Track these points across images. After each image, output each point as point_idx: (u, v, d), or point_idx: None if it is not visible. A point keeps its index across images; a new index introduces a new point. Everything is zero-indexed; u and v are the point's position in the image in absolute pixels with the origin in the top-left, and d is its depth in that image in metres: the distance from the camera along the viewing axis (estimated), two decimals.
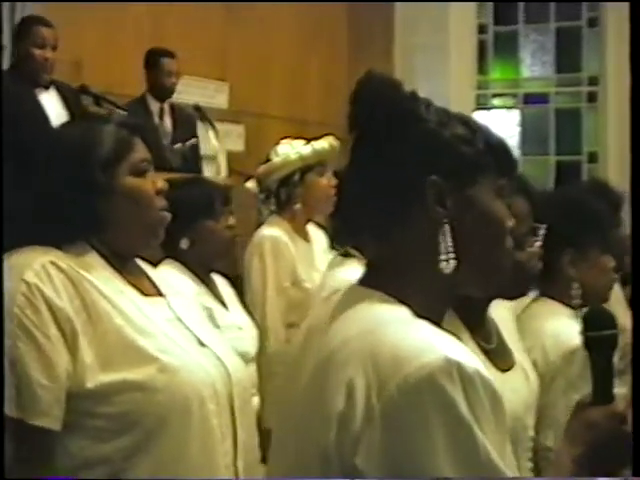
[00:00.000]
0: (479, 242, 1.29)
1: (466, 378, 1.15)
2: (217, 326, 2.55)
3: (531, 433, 2.06)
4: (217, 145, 5.58)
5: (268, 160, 3.93)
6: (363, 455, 1.15)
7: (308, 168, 3.90)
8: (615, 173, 8.59)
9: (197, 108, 5.82)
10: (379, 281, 1.29)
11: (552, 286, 2.38)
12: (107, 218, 1.90)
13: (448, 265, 1.26)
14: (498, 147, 1.34)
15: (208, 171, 5.61)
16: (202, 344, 1.94)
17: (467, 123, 1.32)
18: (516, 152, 9.27)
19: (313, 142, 3.91)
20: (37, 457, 1.77)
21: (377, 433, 1.15)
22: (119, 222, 1.91)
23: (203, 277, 3.00)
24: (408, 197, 1.28)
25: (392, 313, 1.24)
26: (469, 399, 1.15)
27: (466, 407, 1.14)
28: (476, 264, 1.30)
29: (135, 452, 1.78)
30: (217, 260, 3.08)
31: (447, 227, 1.26)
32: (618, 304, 3.19)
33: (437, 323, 1.26)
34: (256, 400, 2.99)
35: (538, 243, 2.07)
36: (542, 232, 2.07)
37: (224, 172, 5.99)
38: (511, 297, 2.05)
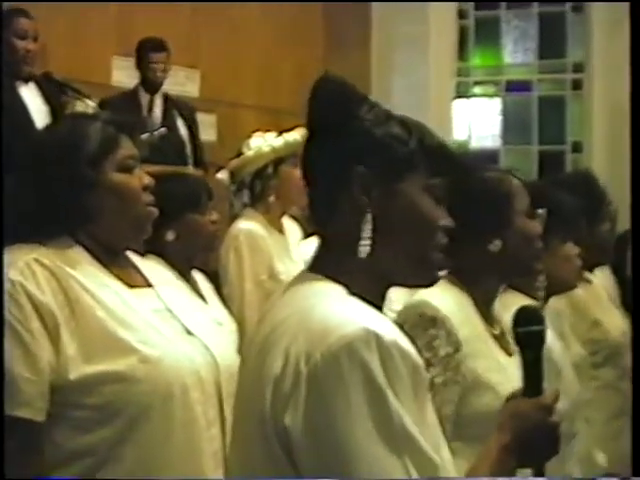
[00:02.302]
0: (402, 234, 1.43)
1: (384, 348, 1.28)
2: None
3: None
4: (186, 135, 5.73)
5: (240, 154, 3.97)
6: (290, 414, 1.29)
7: (281, 160, 3.94)
8: (600, 163, 8.46)
9: (165, 96, 5.91)
10: (321, 265, 1.45)
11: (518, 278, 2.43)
12: (94, 214, 1.98)
13: (365, 249, 1.40)
14: (433, 149, 1.47)
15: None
16: (189, 333, 2.02)
17: (404, 124, 1.47)
18: (498, 141, 9.20)
19: (285, 134, 3.96)
20: (23, 449, 1.84)
21: (302, 395, 1.28)
22: (106, 217, 1.99)
23: (185, 273, 3.00)
24: (339, 186, 1.43)
25: (327, 291, 1.39)
26: (386, 368, 1.27)
27: (382, 375, 1.27)
28: (400, 254, 1.43)
29: (120, 441, 1.86)
30: (201, 254, 3.10)
31: (369, 216, 1.41)
32: (606, 306, 3.08)
33: (371, 301, 1.39)
34: None
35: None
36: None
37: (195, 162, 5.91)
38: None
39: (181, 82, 6.94)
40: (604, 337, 3.03)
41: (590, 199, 2.88)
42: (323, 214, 1.47)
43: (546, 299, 2.48)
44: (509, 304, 2.30)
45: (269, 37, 7.65)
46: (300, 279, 1.47)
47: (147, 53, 5.92)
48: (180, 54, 6.78)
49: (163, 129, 5.60)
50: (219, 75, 7.23)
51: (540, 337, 1.56)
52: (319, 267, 1.46)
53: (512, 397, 1.57)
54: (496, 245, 2.08)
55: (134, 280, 2.04)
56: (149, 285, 2.07)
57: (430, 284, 1.54)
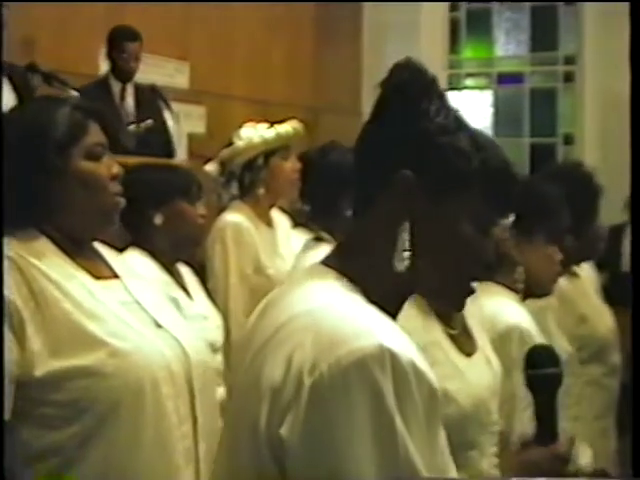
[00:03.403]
0: (440, 254, 1.31)
1: (398, 369, 1.17)
2: (184, 316, 2.51)
3: (495, 417, 2.04)
4: (174, 127, 5.60)
5: (231, 144, 3.91)
6: (288, 426, 1.19)
7: (272, 152, 3.88)
8: (592, 155, 8.45)
9: (153, 88, 5.79)
10: (339, 261, 1.33)
11: (497, 269, 2.38)
12: (60, 202, 1.91)
13: (401, 264, 1.28)
14: (495, 173, 1.34)
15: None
16: (159, 326, 1.95)
17: (474, 139, 1.34)
18: (489, 133, 9.18)
19: (277, 126, 3.90)
20: None
21: (303, 407, 1.18)
22: (72, 207, 1.92)
23: (169, 266, 2.98)
24: (382, 185, 1.31)
25: (343, 294, 1.27)
26: (398, 390, 1.16)
27: (393, 398, 1.16)
28: (433, 275, 1.32)
29: (88, 439, 1.79)
30: (188, 246, 3.07)
31: (406, 225, 1.28)
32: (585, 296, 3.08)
33: (389, 312, 1.28)
34: (222, 391, 2.86)
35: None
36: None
37: (184, 155, 5.89)
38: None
39: (170, 74, 6.89)
40: (591, 333, 3.00)
41: (582, 193, 2.85)
42: (357, 208, 1.36)
43: (524, 296, 2.43)
44: (483, 294, 2.29)
45: (259, 29, 7.59)
46: (313, 273, 1.35)
47: (121, 42, 5.85)
48: (169, 46, 6.74)
49: (150, 121, 5.57)
50: (208, 67, 7.17)
51: (555, 381, 1.48)
52: (338, 265, 1.33)
53: (525, 444, 1.49)
54: None
55: (101, 272, 1.96)
56: (116, 277, 1.99)
57: (457, 311, 1.45)
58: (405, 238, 1.28)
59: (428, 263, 1.30)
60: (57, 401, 1.79)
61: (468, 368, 1.95)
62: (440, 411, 1.26)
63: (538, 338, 2.30)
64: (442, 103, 1.36)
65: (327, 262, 1.35)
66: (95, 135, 1.95)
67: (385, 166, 1.31)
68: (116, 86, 5.85)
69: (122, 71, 5.86)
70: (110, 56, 5.90)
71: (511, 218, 2.19)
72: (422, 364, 1.21)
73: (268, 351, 1.25)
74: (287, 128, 3.88)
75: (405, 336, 1.24)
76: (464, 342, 2.01)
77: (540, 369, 1.47)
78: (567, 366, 2.66)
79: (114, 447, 1.81)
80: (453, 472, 1.32)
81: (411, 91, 1.33)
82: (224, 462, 1.35)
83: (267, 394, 1.22)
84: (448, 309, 1.51)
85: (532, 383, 1.47)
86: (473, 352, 2.01)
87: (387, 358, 1.17)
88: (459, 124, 1.35)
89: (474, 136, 1.35)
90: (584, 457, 2.80)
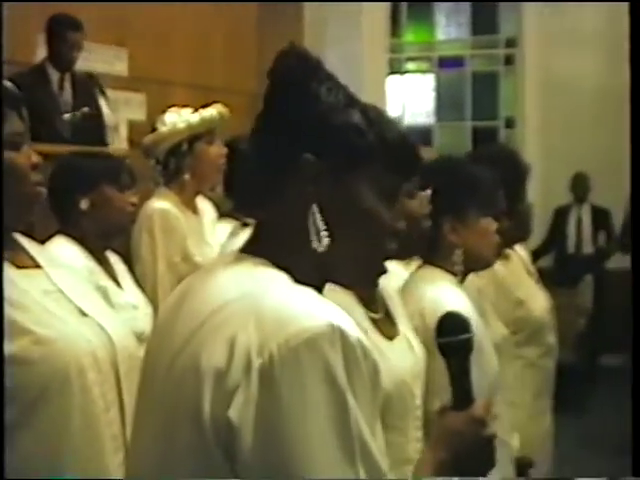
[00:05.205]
0: (349, 231, 1.34)
1: (348, 346, 1.19)
2: (112, 305, 2.57)
3: (419, 402, 2.06)
4: (109, 114, 5.52)
5: (155, 129, 3.82)
6: (237, 408, 1.18)
7: (196, 137, 3.80)
8: (533, 138, 8.51)
9: (90, 75, 5.71)
10: (260, 249, 1.34)
11: (435, 253, 2.42)
12: None
13: (320, 244, 1.31)
14: (395, 145, 1.38)
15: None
16: (84, 314, 1.94)
17: (366, 113, 1.37)
18: (431, 118, 9.22)
19: (201, 110, 3.83)
20: None
21: (254, 388, 1.18)
22: None
23: (98, 254, 2.96)
24: (287, 171, 1.33)
25: (271, 277, 1.29)
26: (348, 367, 1.18)
27: (344, 375, 1.18)
28: (344, 253, 1.34)
29: (16, 427, 1.77)
30: (114, 232, 3.04)
31: (315, 207, 1.31)
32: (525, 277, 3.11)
33: (316, 290, 1.31)
34: None
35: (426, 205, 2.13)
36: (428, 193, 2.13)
37: (124, 143, 5.81)
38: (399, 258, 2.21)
39: (109, 61, 6.78)
40: (527, 315, 3.02)
41: (512, 174, 2.87)
42: (266, 197, 1.37)
43: (464, 275, 2.44)
44: (423, 279, 2.36)
45: (199, 13, 7.52)
46: (235, 260, 1.35)
47: (62, 31, 5.70)
48: (107, 32, 6.62)
49: (86, 109, 5.49)
50: (148, 53, 7.05)
51: (466, 346, 1.48)
52: (257, 250, 1.35)
53: (442, 411, 1.49)
54: None
55: (22, 261, 1.93)
56: (38, 267, 1.97)
57: (369, 290, 1.46)
58: (317, 221, 1.31)
59: (341, 241, 1.33)
60: None
61: (390, 350, 1.96)
62: (381, 387, 1.30)
63: (476, 323, 2.31)
64: (331, 84, 1.37)
65: (247, 250, 1.36)
66: (13, 124, 1.90)
67: (286, 152, 1.34)
68: (54, 74, 5.73)
69: (63, 60, 5.73)
70: (50, 44, 5.77)
71: (428, 191, 2.20)
72: (367, 342, 1.23)
73: (204, 336, 1.24)
74: (212, 112, 3.81)
75: (346, 315, 1.25)
76: (386, 326, 2.02)
77: (452, 336, 1.48)
78: (504, 349, 2.69)
79: (42, 434, 1.81)
80: (384, 453, 1.35)
81: (298, 76, 1.34)
82: (151, 449, 1.32)
83: (209, 378, 1.21)
84: (363, 287, 1.52)
85: (445, 350, 1.49)
86: (395, 336, 2.02)
87: (337, 336, 1.19)
88: (349, 101, 1.37)
89: (366, 111, 1.37)
90: (513, 442, 2.82)
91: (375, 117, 1.38)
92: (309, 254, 1.32)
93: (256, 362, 1.19)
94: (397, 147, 1.38)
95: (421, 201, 2.15)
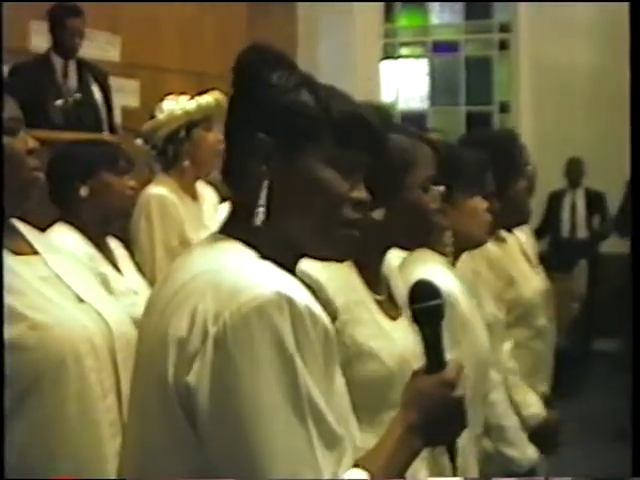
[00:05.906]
0: (304, 205, 1.41)
1: (296, 313, 1.27)
2: (112, 292, 2.61)
3: None
4: (101, 100, 5.58)
5: (153, 117, 3.85)
6: (195, 373, 1.27)
7: (194, 124, 3.84)
8: (527, 123, 8.51)
9: (81, 61, 5.76)
10: (231, 229, 1.44)
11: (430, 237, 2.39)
12: None
13: (259, 217, 1.39)
14: (344, 118, 1.43)
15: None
16: (81, 300, 1.94)
17: (315, 92, 1.44)
18: (425, 103, 9.21)
19: (198, 97, 3.87)
20: None
21: (209, 353, 1.26)
22: None
23: (98, 240, 2.98)
24: (246, 152, 1.43)
25: (238, 253, 1.37)
26: (297, 334, 1.27)
27: (293, 341, 1.26)
28: (305, 226, 1.42)
29: (10, 415, 1.77)
30: (115, 217, 3.08)
31: (266, 183, 1.40)
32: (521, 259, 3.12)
33: (285, 267, 1.37)
34: None
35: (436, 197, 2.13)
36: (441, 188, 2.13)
37: (118, 129, 5.83)
38: (408, 248, 2.22)
39: (102, 47, 6.80)
40: (517, 297, 3.03)
41: (505, 156, 2.88)
42: (234, 179, 1.47)
43: (456, 256, 2.47)
44: (414, 261, 2.36)
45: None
46: (209, 240, 1.45)
47: (63, 18, 5.76)
48: (100, 18, 6.62)
49: (78, 95, 5.53)
50: (141, 39, 7.09)
51: (437, 312, 1.52)
52: (229, 230, 1.44)
53: (415, 374, 1.51)
54: (378, 214, 2.03)
55: (20, 248, 1.93)
56: (36, 253, 1.97)
57: (340, 260, 1.51)
58: (263, 195, 1.39)
59: (299, 215, 1.41)
60: None
61: (393, 329, 1.99)
62: (336, 353, 1.37)
63: (468, 303, 2.33)
64: (285, 69, 1.46)
65: (221, 231, 1.46)
66: (9, 109, 1.90)
67: (244, 134, 1.44)
68: (58, 62, 5.76)
69: (65, 47, 5.77)
70: (52, 32, 5.81)
71: (441, 188, 2.17)
72: (317, 309, 1.31)
73: (173, 308, 1.33)
74: (208, 99, 3.84)
75: (299, 285, 1.35)
76: (389, 308, 2.05)
77: (422, 302, 1.51)
78: (496, 330, 2.70)
79: (37, 422, 1.80)
80: (352, 418, 1.45)
81: (255, 65, 1.45)
82: (136, 417, 1.42)
83: (173, 345, 1.30)
84: (331, 259, 1.53)
85: (418, 317, 1.52)
86: (398, 317, 2.04)
87: (285, 303, 1.27)
88: (300, 82, 1.45)
89: (316, 90, 1.45)
90: (531, 406, 2.86)
91: (324, 95, 1.44)
92: (274, 231, 1.40)
93: (212, 330, 1.27)
94: (347, 122, 1.43)
95: (433, 196, 2.15)
